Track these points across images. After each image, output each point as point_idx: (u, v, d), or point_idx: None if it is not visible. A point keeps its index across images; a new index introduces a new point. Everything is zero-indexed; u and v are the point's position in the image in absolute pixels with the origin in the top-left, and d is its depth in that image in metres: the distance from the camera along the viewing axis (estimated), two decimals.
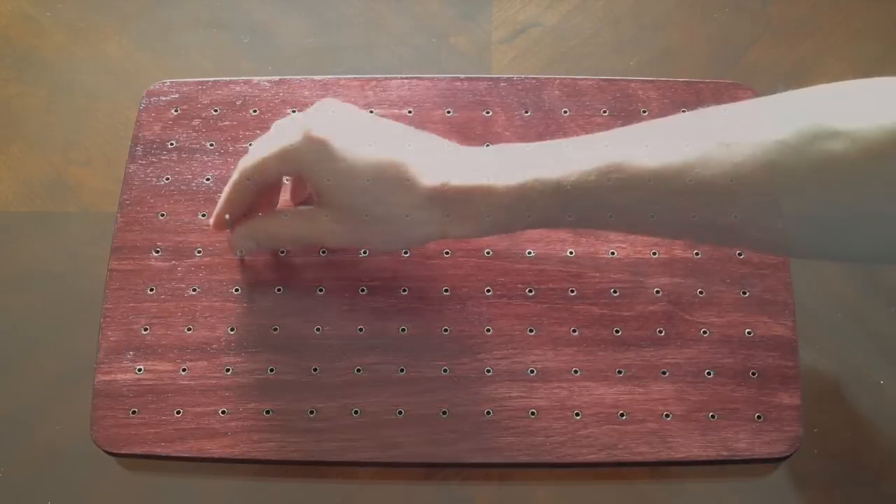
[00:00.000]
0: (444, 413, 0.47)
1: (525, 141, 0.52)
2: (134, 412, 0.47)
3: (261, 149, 0.44)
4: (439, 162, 0.43)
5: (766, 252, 0.49)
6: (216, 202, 0.51)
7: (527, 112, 0.53)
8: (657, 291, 0.49)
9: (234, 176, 0.45)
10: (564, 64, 0.58)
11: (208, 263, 0.50)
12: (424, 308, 0.49)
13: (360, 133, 0.43)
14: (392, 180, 0.42)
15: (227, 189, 0.46)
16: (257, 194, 0.46)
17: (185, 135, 0.53)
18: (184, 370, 0.47)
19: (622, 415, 0.47)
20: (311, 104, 0.53)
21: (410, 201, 0.42)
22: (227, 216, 0.46)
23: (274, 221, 0.46)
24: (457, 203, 0.42)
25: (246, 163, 0.44)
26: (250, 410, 0.47)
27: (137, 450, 0.46)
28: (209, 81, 0.54)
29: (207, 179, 0.52)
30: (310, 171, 0.43)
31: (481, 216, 0.42)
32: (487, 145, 0.46)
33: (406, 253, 0.50)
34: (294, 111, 0.53)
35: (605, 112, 0.53)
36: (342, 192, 0.43)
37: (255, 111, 0.53)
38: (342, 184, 0.43)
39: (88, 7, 0.60)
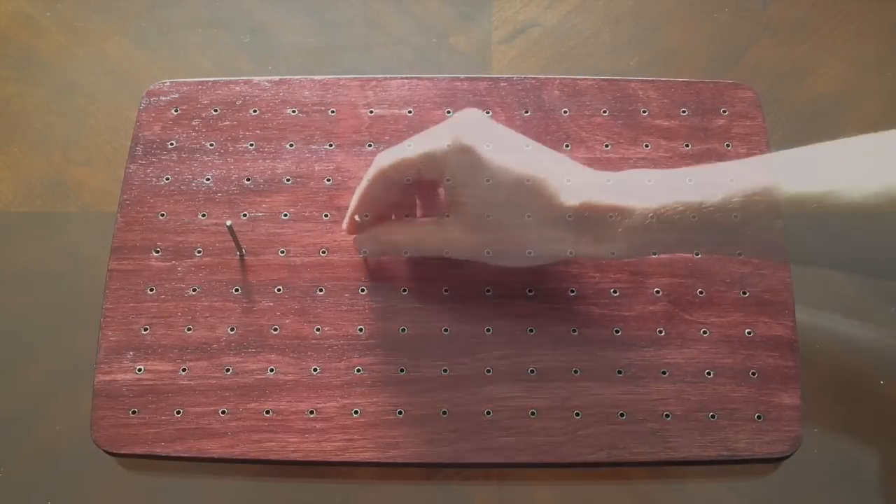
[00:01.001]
0: (444, 413, 0.47)
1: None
2: (134, 412, 0.47)
3: (402, 150, 0.44)
4: (580, 182, 0.43)
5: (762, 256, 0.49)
6: (216, 202, 0.51)
7: (527, 112, 0.53)
8: (657, 291, 0.49)
9: (371, 173, 0.45)
10: (564, 64, 0.58)
11: (208, 263, 0.50)
12: (424, 308, 0.49)
13: (504, 145, 0.44)
14: (532, 194, 0.42)
15: (361, 188, 0.46)
16: (390, 196, 0.46)
17: (185, 135, 0.53)
18: (184, 370, 0.47)
19: (622, 415, 0.47)
20: (312, 104, 0.53)
21: (547, 217, 0.43)
22: (358, 217, 0.47)
23: (400, 227, 0.47)
24: (594, 223, 0.42)
25: (385, 161, 0.44)
26: (250, 410, 0.47)
27: (137, 450, 0.46)
28: (209, 81, 0.54)
29: (207, 179, 0.52)
30: (452, 176, 0.43)
31: (615, 238, 0.42)
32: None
33: (406, 253, 0.50)
34: (294, 111, 0.53)
35: (605, 112, 0.53)
36: (479, 200, 0.43)
37: (255, 111, 0.53)
38: (481, 192, 0.43)
39: (88, 7, 0.60)
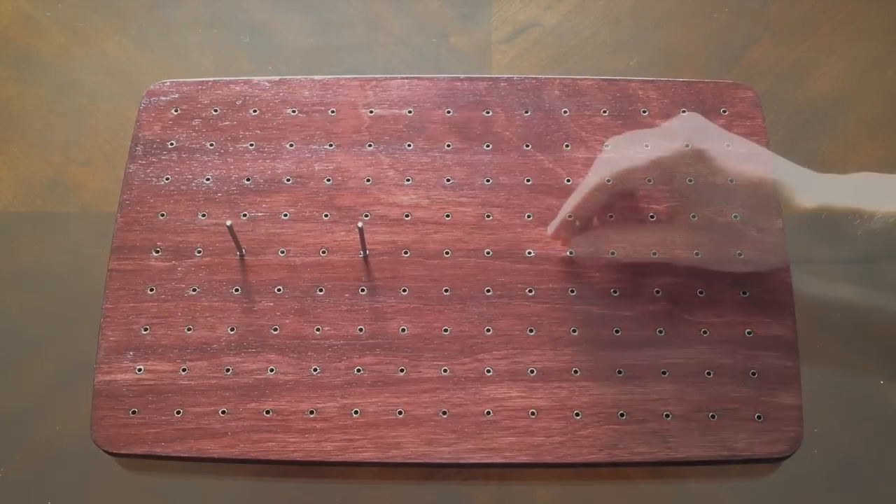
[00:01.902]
0: (444, 413, 0.47)
1: (525, 141, 0.52)
2: (134, 412, 0.47)
3: (629, 159, 0.45)
4: (812, 183, 0.44)
5: None
6: (216, 202, 0.51)
7: (527, 112, 0.53)
8: (657, 291, 0.49)
9: (593, 181, 0.46)
10: (564, 64, 0.58)
11: (208, 263, 0.50)
12: (424, 308, 0.49)
13: (731, 149, 0.45)
14: (767, 196, 0.44)
15: (581, 193, 0.47)
16: (606, 200, 0.47)
17: (185, 135, 0.53)
18: (184, 370, 0.47)
19: (622, 415, 0.47)
20: (312, 104, 0.53)
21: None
22: (573, 220, 0.47)
23: (617, 230, 0.48)
24: (830, 225, 0.43)
25: (611, 167, 0.45)
26: (250, 410, 0.47)
27: (137, 450, 0.46)
28: (209, 81, 0.54)
29: (207, 179, 0.52)
30: (683, 179, 0.45)
31: (853, 241, 0.44)
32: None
33: (406, 253, 0.50)
34: (294, 111, 0.53)
35: (605, 112, 0.53)
36: (712, 204, 0.44)
37: (255, 111, 0.53)
38: (714, 196, 0.44)
39: (88, 7, 0.60)
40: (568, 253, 0.49)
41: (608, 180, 0.45)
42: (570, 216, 0.47)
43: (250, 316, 0.49)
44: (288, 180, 0.52)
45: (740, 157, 0.45)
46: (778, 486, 0.47)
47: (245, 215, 0.51)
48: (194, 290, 0.49)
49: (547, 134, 0.53)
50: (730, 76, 0.57)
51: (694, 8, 0.60)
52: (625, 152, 0.46)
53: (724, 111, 0.53)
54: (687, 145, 0.44)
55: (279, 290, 0.49)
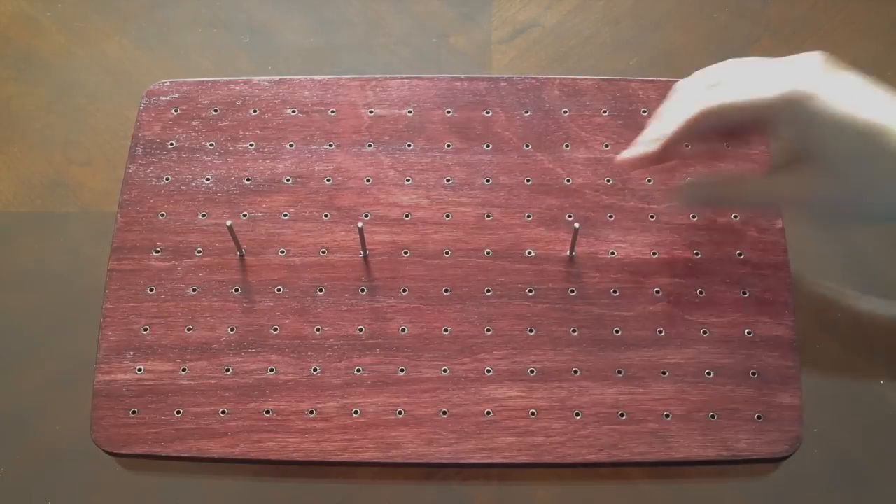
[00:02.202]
0: (444, 413, 0.47)
1: (525, 141, 0.52)
2: (134, 412, 0.47)
3: (728, 93, 0.41)
4: None
5: None
6: (216, 202, 0.51)
7: (527, 112, 0.53)
8: (657, 291, 0.49)
9: (693, 111, 0.42)
10: (564, 64, 0.58)
11: (208, 263, 0.50)
12: (424, 308, 0.49)
13: (846, 92, 0.40)
14: (885, 141, 0.39)
15: (679, 122, 0.43)
16: (696, 133, 0.43)
17: (185, 135, 0.53)
18: (184, 370, 0.47)
19: (622, 415, 0.47)
20: (312, 104, 0.53)
21: None
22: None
23: (733, 181, 0.45)
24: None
25: (710, 102, 0.41)
26: (250, 410, 0.47)
27: (137, 450, 0.46)
28: (209, 81, 0.54)
29: (207, 179, 0.52)
30: (786, 126, 0.40)
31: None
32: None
33: (406, 253, 0.50)
34: (294, 111, 0.53)
35: (605, 112, 0.53)
36: (823, 152, 0.40)
37: (255, 111, 0.53)
38: (824, 144, 0.40)
39: (88, 7, 0.60)
40: (568, 254, 0.49)
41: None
42: (572, 220, 0.47)
43: (250, 316, 0.49)
44: (288, 180, 0.52)
45: (857, 99, 0.40)
46: (778, 486, 0.47)
47: (245, 215, 0.51)
48: (194, 290, 0.49)
49: (547, 134, 0.53)
50: None
51: (694, 8, 0.60)
52: (733, 73, 0.42)
53: None
54: (797, 87, 0.39)
55: (279, 290, 0.49)
